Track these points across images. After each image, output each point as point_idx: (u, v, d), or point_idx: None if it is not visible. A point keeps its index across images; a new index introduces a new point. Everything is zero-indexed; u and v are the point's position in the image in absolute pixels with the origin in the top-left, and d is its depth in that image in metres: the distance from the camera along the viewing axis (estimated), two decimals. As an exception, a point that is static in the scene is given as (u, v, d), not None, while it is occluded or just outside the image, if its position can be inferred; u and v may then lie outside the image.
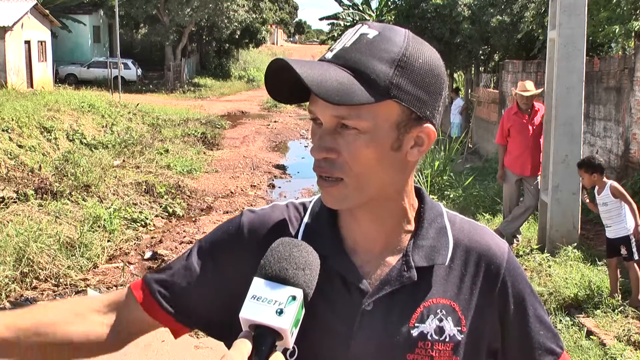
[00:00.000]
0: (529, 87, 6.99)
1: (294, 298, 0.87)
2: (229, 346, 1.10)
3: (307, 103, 1.02)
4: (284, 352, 0.99)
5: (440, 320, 1.02)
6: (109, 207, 8.75)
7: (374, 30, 0.96)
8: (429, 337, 1.01)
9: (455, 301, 1.03)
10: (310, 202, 1.11)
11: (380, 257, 1.04)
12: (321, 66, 0.93)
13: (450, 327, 1.02)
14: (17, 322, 1.06)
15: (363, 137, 0.95)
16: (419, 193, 1.09)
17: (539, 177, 7.09)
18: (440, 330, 1.01)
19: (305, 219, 1.08)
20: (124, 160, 12.25)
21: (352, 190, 0.97)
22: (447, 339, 1.01)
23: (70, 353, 1.08)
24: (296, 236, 1.05)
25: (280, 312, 0.86)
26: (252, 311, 0.86)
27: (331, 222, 1.06)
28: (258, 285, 0.89)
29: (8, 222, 7.32)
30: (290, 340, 0.88)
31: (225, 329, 1.06)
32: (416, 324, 1.01)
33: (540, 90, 7.10)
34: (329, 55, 0.97)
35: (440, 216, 1.08)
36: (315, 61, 0.96)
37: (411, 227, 1.06)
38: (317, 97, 0.90)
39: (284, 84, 0.96)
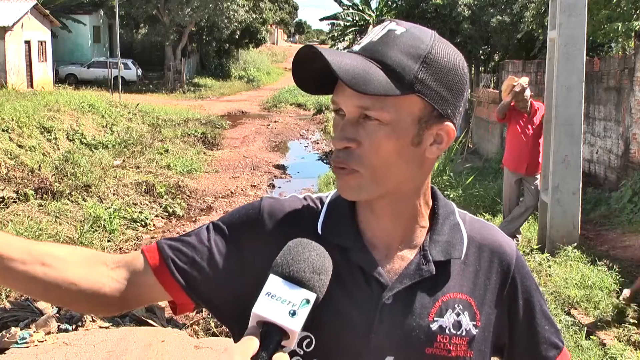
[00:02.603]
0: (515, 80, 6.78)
1: (307, 301, 0.88)
2: (232, 330, 1.10)
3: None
4: (301, 341, 0.99)
5: (458, 314, 1.03)
6: (109, 207, 8.75)
7: (401, 27, 0.98)
8: (447, 331, 1.02)
9: (471, 296, 1.05)
10: (327, 196, 1.12)
11: (398, 252, 1.05)
12: (349, 56, 0.95)
13: (466, 322, 1.04)
14: (29, 247, 1.02)
15: (384, 129, 0.96)
16: (432, 192, 1.11)
17: (538, 177, 7.07)
18: (458, 325, 1.03)
19: (324, 212, 1.08)
20: (124, 160, 12.25)
21: (367, 181, 0.98)
22: (463, 333, 1.03)
23: (69, 297, 1.04)
24: (315, 228, 1.06)
25: (293, 314, 0.86)
26: (265, 308, 0.86)
27: (350, 216, 1.07)
28: (274, 282, 0.89)
29: (8, 222, 7.32)
30: (294, 342, 0.88)
31: (229, 313, 1.07)
32: (435, 318, 1.02)
33: (523, 80, 6.81)
34: (356, 48, 0.99)
35: (453, 214, 1.10)
36: (342, 51, 0.98)
37: (426, 223, 1.08)
38: (343, 83, 0.91)
39: (311, 73, 0.98)
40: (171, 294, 1.06)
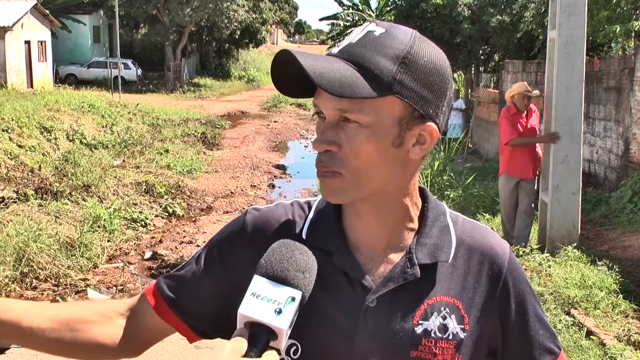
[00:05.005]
0: (527, 88, 6.84)
1: (293, 299, 0.88)
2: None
3: (308, 104, 1.03)
4: (289, 349, 0.99)
5: (444, 317, 1.02)
6: (109, 207, 8.75)
7: (380, 28, 0.97)
8: (432, 335, 1.01)
9: (458, 299, 1.04)
10: (315, 200, 1.12)
11: (383, 255, 1.04)
12: (326, 59, 0.94)
13: (453, 325, 1.02)
14: (55, 314, 1.10)
15: (364, 131, 0.95)
16: (422, 193, 1.09)
17: (536, 178, 7.05)
18: (444, 328, 1.02)
19: (310, 216, 1.08)
20: (124, 160, 12.25)
21: (350, 184, 0.98)
22: (450, 337, 1.02)
23: (94, 353, 1.11)
24: (300, 233, 1.06)
25: (279, 312, 0.86)
26: (251, 308, 0.87)
27: (335, 219, 1.06)
28: (259, 283, 0.89)
29: (8, 222, 7.31)
30: (283, 342, 0.88)
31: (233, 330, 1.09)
32: (420, 321, 1.01)
33: (538, 94, 6.95)
34: (335, 50, 0.98)
35: (443, 215, 1.09)
36: (320, 55, 0.97)
37: (414, 225, 1.06)
38: (320, 88, 0.91)
39: (291, 77, 0.98)
40: (177, 330, 1.12)
